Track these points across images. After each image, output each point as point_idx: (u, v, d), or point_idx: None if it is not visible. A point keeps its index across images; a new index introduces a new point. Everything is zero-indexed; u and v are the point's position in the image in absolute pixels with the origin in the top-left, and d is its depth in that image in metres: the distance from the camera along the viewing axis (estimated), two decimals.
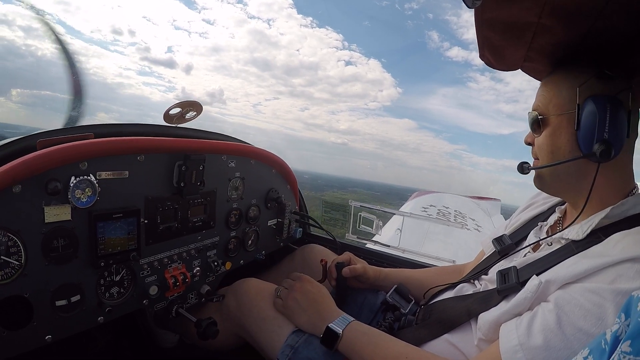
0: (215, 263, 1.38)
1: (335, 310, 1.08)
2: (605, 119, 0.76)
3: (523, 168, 0.95)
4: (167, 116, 1.17)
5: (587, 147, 0.79)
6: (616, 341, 0.46)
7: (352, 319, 1.03)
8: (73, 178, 0.92)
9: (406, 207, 8.38)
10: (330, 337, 0.99)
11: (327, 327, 1.00)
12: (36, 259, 0.89)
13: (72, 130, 1.06)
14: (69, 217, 0.93)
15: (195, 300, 1.35)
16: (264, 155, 1.55)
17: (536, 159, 0.93)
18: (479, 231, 6.64)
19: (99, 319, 1.05)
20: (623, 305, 0.49)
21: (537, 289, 0.77)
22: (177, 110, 1.17)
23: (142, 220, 1.10)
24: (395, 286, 1.30)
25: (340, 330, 0.98)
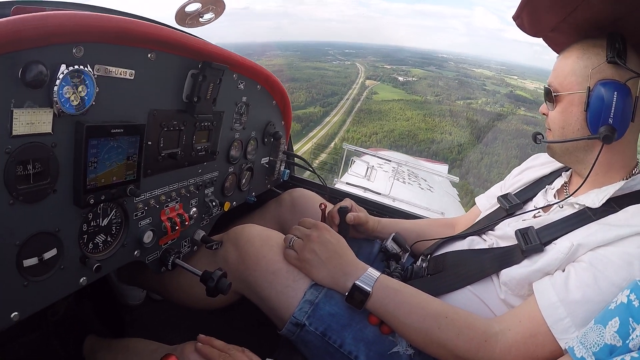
0: (214, 203, 1.19)
1: (358, 264, 0.99)
2: (611, 105, 0.83)
3: (536, 139, 1.03)
4: (180, 14, 0.87)
5: (594, 128, 0.87)
6: None
7: (379, 273, 0.96)
8: (63, 67, 0.63)
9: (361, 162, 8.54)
10: (357, 295, 0.91)
11: (354, 284, 0.92)
12: None
13: (64, 5, 0.73)
14: (49, 129, 0.64)
15: (188, 249, 1.16)
16: (271, 80, 1.35)
17: (549, 129, 1.00)
18: (431, 192, 7.10)
19: (80, 280, 0.78)
20: None
21: (569, 251, 0.84)
22: (196, 7, 0.88)
23: (145, 141, 0.84)
24: (393, 234, 1.27)
25: (369, 289, 0.91)
